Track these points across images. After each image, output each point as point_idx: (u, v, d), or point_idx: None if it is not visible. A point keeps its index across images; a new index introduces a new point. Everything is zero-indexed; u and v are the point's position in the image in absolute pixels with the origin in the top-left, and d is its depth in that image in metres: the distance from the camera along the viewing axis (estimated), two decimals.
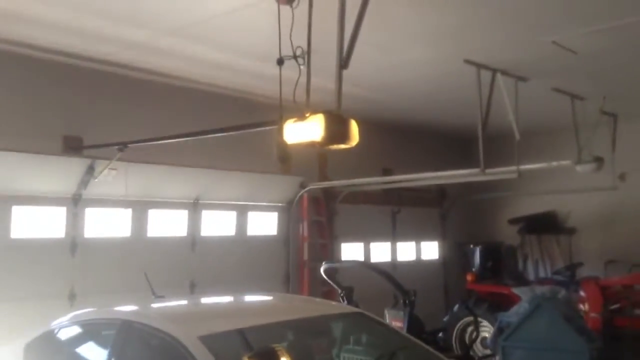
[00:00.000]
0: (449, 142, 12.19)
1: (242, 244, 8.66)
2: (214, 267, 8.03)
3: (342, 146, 4.68)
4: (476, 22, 6.09)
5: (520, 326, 5.78)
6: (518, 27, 6.22)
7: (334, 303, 4.91)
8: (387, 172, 10.64)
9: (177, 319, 4.11)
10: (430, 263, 12.11)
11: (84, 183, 6.75)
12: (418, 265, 11.67)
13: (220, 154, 7.81)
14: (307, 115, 4.47)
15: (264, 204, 9.04)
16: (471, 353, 7.95)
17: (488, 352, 8.69)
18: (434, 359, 4.25)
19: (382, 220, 11.03)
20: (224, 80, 7.94)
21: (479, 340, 9.13)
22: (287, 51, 4.60)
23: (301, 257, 9.49)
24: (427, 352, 4.29)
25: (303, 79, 4.56)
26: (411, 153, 11.30)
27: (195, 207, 8.08)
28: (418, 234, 11.87)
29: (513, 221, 11.79)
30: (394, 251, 11.25)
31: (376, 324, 4.60)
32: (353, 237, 10.46)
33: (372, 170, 9.95)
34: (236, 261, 8.39)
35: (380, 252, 10.99)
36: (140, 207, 7.46)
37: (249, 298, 5.14)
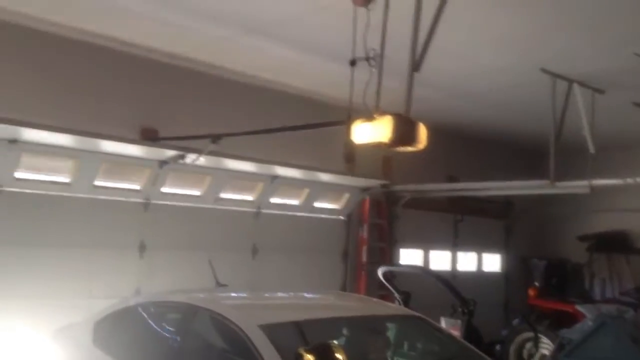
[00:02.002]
0: (517, 153, 11.89)
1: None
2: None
3: (409, 149, 4.70)
4: (554, 30, 5.96)
5: (583, 343, 5.59)
6: (599, 36, 6.05)
7: (392, 305, 4.90)
8: (452, 179, 10.50)
9: (239, 307, 4.24)
10: (491, 275, 11.87)
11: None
12: (479, 276, 11.46)
13: (287, 152, 7.92)
14: (376, 116, 4.52)
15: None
16: None
17: None
18: None
19: (443, 228, 10.89)
20: (295, 80, 8.06)
21: (537, 356, 8.90)
22: (359, 53, 4.67)
23: (360, 260, 9.51)
24: None
25: (373, 81, 4.63)
26: (477, 162, 11.07)
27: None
28: (480, 245, 11.65)
29: (583, 238, 11.38)
30: (454, 260, 11.10)
31: (434, 329, 4.58)
32: (413, 243, 10.38)
33: (436, 176, 9.85)
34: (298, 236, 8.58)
35: (440, 260, 10.86)
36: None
37: (309, 294, 5.20)
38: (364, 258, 9.47)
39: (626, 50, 6.25)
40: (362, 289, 9.32)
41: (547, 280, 9.95)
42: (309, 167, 7.97)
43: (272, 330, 3.62)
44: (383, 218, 9.84)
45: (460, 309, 6.41)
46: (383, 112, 4.52)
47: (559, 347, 6.17)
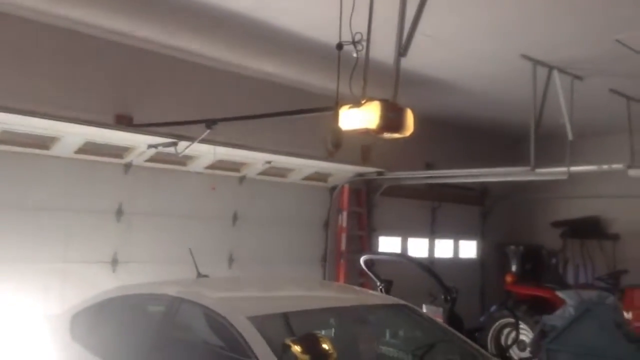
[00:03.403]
0: (494, 140, 11.94)
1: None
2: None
3: (396, 135, 4.61)
4: (537, 16, 5.92)
5: (567, 330, 5.63)
6: (581, 22, 6.03)
7: (380, 294, 4.85)
8: (429, 166, 10.50)
9: (225, 298, 4.13)
10: (467, 261, 11.95)
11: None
12: (455, 263, 11.52)
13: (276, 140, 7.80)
14: (363, 102, 4.42)
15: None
16: (507, 355, 7.79)
17: (525, 354, 8.56)
18: (481, 357, 4.17)
19: (421, 215, 10.91)
20: (275, 67, 7.91)
21: (513, 341, 8.99)
22: (345, 38, 4.55)
23: (339, 248, 9.45)
24: (473, 348, 4.22)
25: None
26: (453, 149, 11.07)
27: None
28: (457, 232, 11.71)
29: (557, 224, 11.53)
30: (431, 247, 11.13)
31: (420, 317, 4.54)
32: (391, 230, 10.36)
33: (414, 164, 9.81)
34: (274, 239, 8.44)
35: (418, 247, 10.88)
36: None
37: (294, 282, 5.12)
38: (343, 246, 9.41)
39: (607, 36, 6.26)
40: (341, 277, 9.28)
41: (524, 267, 10.02)
42: (299, 155, 7.77)
43: (260, 322, 3.53)
44: (362, 206, 9.79)
45: (442, 297, 6.38)
46: (370, 98, 4.43)
47: (541, 334, 6.21)
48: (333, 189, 9.23)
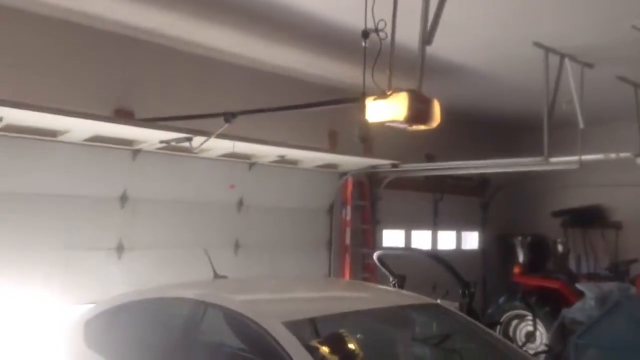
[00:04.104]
0: (496, 130, 11.81)
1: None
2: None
3: (423, 127, 4.46)
4: (551, 3, 5.78)
5: (596, 324, 5.49)
6: (596, 9, 5.89)
7: (409, 294, 4.69)
8: (429, 158, 10.33)
9: (255, 302, 3.93)
10: (470, 253, 11.84)
11: None
12: (458, 254, 11.40)
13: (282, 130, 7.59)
14: (389, 93, 4.24)
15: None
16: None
17: (535, 346, 8.44)
18: (515, 354, 4.03)
19: (424, 207, 10.77)
20: (293, 61, 7.68)
21: (523, 334, 8.90)
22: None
23: (343, 242, 9.27)
24: (507, 346, 4.07)
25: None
26: (452, 140, 10.88)
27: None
28: (459, 223, 11.60)
29: (557, 214, 11.44)
30: (434, 239, 11.00)
31: (453, 315, 4.38)
32: (395, 223, 10.22)
33: (415, 155, 9.63)
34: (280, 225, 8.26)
35: (421, 239, 10.74)
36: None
37: (318, 282, 4.93)
38: (348, 240, 9.24)
39: (622, 22, 6.13)
40: (346, 271, 9.11)
41: (530, 257, 9.91)
42: (314, 149, 7.54)
43: (296, 327, 3.35)
44: (366, 199, 9.61)
45: (460, 291, 6.23)
46: (396, 89, 4.25)
47: (561, 327, 6.09)
48: (343, 174, 9.02)
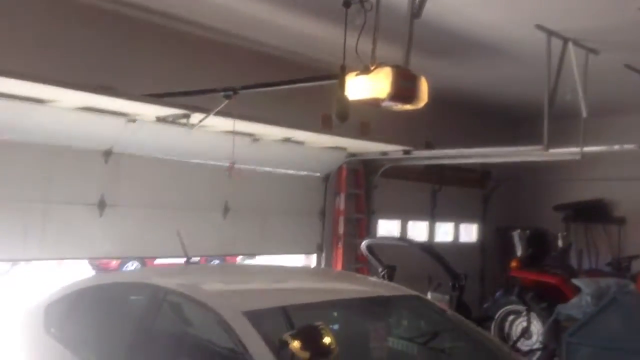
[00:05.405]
0: (499, 119, 11.47)
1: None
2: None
3: (408, 107, 4.16)
4: None
5: (590, 321, 5.18)
6: None
7: (386, 283, 4.42)
8: (429, 146, 10.00)
9: (218, 291, 3.66)
10: (467, 246, 11.55)
11: None
12: (455, 247, 11.10)
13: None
14: (372, 68, 3.94)
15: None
16: (515, 345, 7.37)
17: (530, 343, 8.15)
18: (497, 349, 3.76)
19: (421, 198, 10.45)
20: (269, 36, 7.36)
21: (519, 330, 8.60)
22: None
23: (336, 231, 9.00)
24: (490, 340, 3.80)
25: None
26: (452, 128, 10.54)
27: None
28: (458, 215, 11.28)
29: (559, 207, 11.12)
30: (431, 231, 10.71)
31: (433, 309, 4.10)
32: (391, 213, 9.92)
33: (414, 142, 9.30)
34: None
35: (418, 231, 10.45)
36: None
37: (293, 270, 4.66)
38: (341, 230, 8.96)
39: (629, 4, 5.78)
40: (339, 262, 8.84)
41: (529, 251, 9.60)
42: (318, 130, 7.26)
43: (261, 318, 3.07)
44: (360, 188, 9.32)
45: (450, 284, 5.95)
46: (380, 64, 3.95)
47: (555, 324, 5.79)
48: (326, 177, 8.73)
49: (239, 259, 12.34)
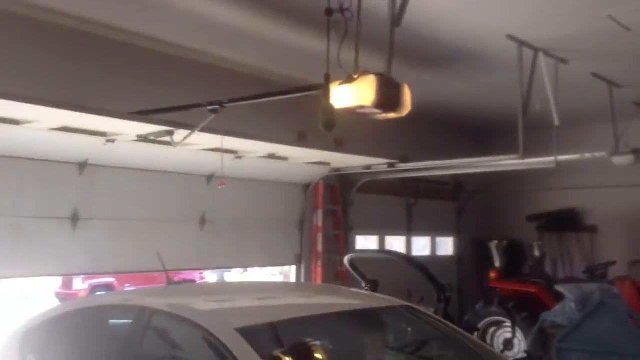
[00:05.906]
0: (472, 133, 11.60)
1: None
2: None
3: (392, 115, 4.13)
4: None
5: (579, 326, 5.19)
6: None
7: (378, 295, 4.34)
8: (404, 160, 10.02)
9: (208, 308, 3.53)
10: (444, 259, 11.57)
11: None
12: (433, 260, 11.09)
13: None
14: (356, 77, 3.91)
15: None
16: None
17: (513, 354, 8.13)
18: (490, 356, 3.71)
19: (397, 212, 10.46)
20: (252, 53, 7.31)
21: (501, 341, 8.59)
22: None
23: (314, 249, 8.90)
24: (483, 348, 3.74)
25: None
26: (427, 141, 10.60)
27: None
28: (434, 229, 11.31)
29: (532, 218, 11.23)
30: (409, 245, 10.69)
31: (425, 318, 4.03)
32: (368, 229, 9.88)
33: (390, 158, 9.31)
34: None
35: (395, 246, 10.42)
36: None
37: (281, 286, 4.55)
38: (320, 247, 8.87)
39: (597, 12, 5.90)
40: (318, 279, 8.73)
41: (507, 262, 9.65)
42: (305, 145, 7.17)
43: (253, 335, 2.96)
44: (337, 204, 9.26)
45: (436, 296, 5.89)
46: (364, 73, 3.92)
47: (541, 331, 5.78)
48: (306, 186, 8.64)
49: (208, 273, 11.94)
